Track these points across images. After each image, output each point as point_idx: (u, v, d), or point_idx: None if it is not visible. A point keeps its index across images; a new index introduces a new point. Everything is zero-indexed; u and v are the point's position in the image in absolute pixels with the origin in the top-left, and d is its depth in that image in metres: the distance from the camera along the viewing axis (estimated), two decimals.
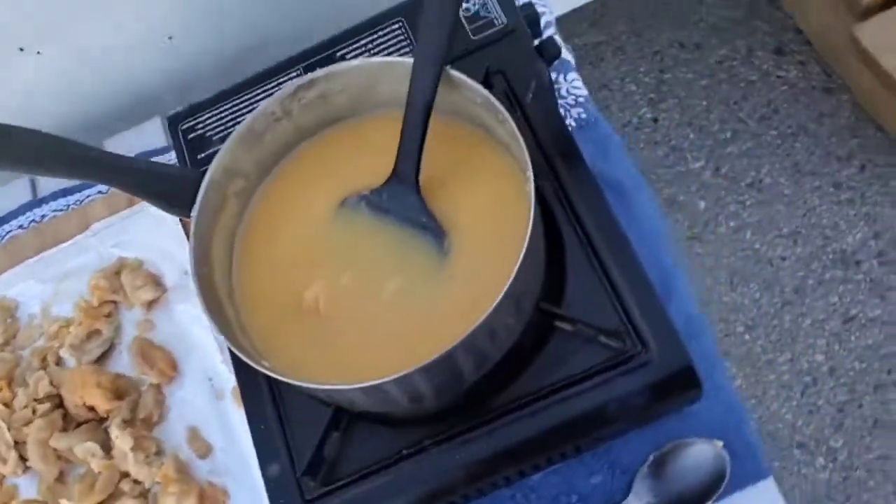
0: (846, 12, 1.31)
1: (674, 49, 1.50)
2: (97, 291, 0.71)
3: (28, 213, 0.81)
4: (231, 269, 0.56)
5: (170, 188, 0.54)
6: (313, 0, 0.81)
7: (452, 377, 0.50)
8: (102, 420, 0.67)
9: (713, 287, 1.33)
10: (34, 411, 0.68)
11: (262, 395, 0.56)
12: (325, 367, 0.51)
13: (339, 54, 0.64)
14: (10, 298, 0.75)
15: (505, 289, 0.45)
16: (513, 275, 0.46)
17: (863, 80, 1.34)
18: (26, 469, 0.68)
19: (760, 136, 1.41)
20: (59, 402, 0.69)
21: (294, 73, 0.64)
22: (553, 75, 0.70)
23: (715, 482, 0.56)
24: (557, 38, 0.73)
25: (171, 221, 0.71)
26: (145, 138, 0.81)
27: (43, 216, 0.81)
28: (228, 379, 0.66)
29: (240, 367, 0.57)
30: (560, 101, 0.70)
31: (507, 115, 0.49)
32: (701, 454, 0.57)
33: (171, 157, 0.79)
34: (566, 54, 0.71)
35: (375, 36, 0.64)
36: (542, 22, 0.70)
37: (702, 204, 1.39)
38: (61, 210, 0.80)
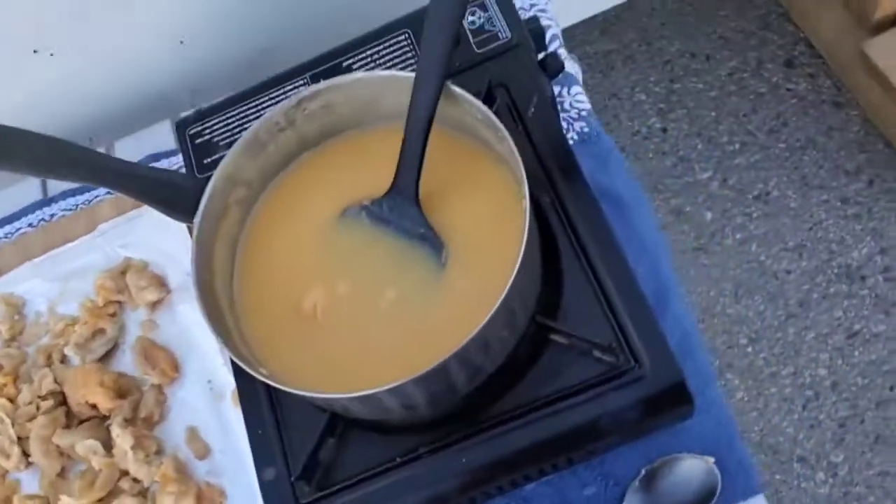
0: (857, 27, 1.31)
1: (684, 59, 1.50)
2: (102, 291, 0.72)
3: (38, 212, 0.83)
4: (232, 275, 0.56)
5: (172, 195, 0.55)
6: (321, 9, 0.82)
7: (446, 388, 0.51)
8: (104, 418, 0.68)
9: (718, 298, 1.33)
10: (38, 408, 0.69)
11: (259, 399, 0.57)
12: (321, 374, 0.52)
13: (345, 64, 0.65)
14: (18, 295, 0.77)
15: (498, 302, 0.46)
16: (506, 288, 0.46)
17: (872, 95, 1.34)
18: (29, 464, 0.69)
19: (769, 148, 1.41)
20: (62, 400, 0.70)
21: (301, 82, 0.65)
22: (557, 89, 0.71)
23: (705, 498, 0.57)
24: (563, 50, 0.74)
25: (177, 224, 0.72)
26: (155, 140, 0.83)
27: (52, 215, 0.82)
28: (228, 381, 0.67)
29: (239, 372, 0.58)
30: (563, 115, 0.71)
31: (505, 132, 0.49)
32: (692, 469, 0.57)
33: (179, 160, 0.80)
34: (570, 68, 0.72)
35: (381, 46, 0.64)
36: (548, 35, 0.71)
37: (708, 215, 1.39)
38: (70, 210, 0.81)
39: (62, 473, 0.68)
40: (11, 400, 0.70)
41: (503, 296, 0.46)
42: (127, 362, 0.71)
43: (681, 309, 0.64)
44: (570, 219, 0.57)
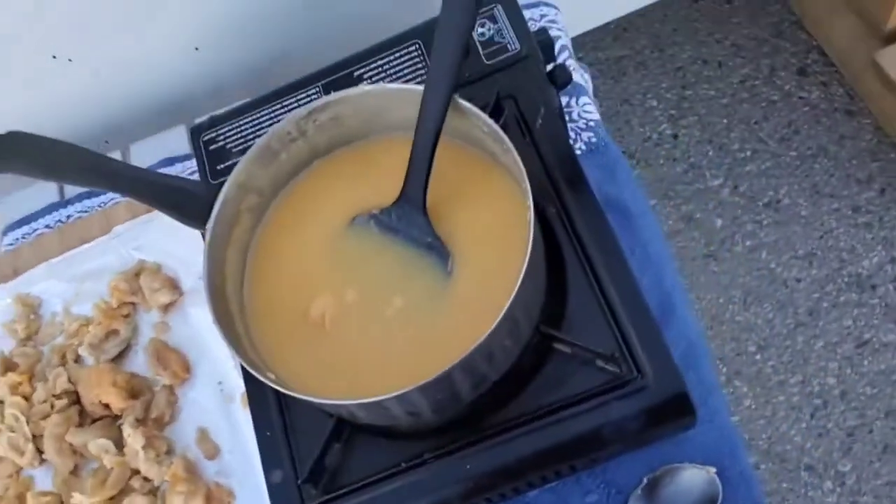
0: (870, 36, 1.31)
1: (696, 66, 1.50)
2: (116, 293, 0.74)
3: (54, 213, 0.84)
4: (243, 281, 0.58)
5: (184, 201, 0.56)
6: (333, 18, 0.83)
7: (451, 395, 0.51)
8: (116, 418, 0.70)
9: (727, 305, 1.33)
10: (52, 406, 0.70)
11: (268, 403, 0.58)
12: (328, 380, 0.53)
13: (356, 73, 0.65)
14: (34, 296, 0.78)
15: (503, 312, 0.47)
16: (511, 298, 0.47)
17: (885, 104, 1.34)
18: (42, 461, 0.70)
19: (780, 156, 1.41)
20: (76, 399, 0.71)
21: (313, 90, 0.66)
22: (565, 99, 0.72)
23: None
24: (572, 61, 0.74)
25: (190, 228, 0.74)
26: (170, 144, 0.84)
27: (68, 217, 0.83)
28: (238, 383, 0.68)
29: (248, 376, 0.59)
30: (571, 125, 0.71)
31: (510, 145, 0.50)
32: (693, 479, 0.58)
33: (193, 164, 0.81)
34: (579, 78, 0.72)
35: (392, 57, 0.65)
36: (557, 46, 0.71)
37: (719, 222, 1.39)
38: (85, 212, 0.83)
39: (75, 471, 0.69)
40: (26, 398, 0.71)
41: (507, 305, 0.47)
42: (139, 363, 0.72)
43: (686, 319, 0.65)
44: (575, 229, 0.57)
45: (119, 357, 0.73)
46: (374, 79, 0.65)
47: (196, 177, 0.71)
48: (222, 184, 0.56)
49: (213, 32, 0.83)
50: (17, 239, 0.84)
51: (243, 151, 0.65)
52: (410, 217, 0.55)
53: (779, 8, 1.51)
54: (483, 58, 0.63)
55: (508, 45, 0.63)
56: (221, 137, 0.67)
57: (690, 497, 0.58)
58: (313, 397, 0.50)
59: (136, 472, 0.67)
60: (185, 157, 0.82)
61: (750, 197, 1.39)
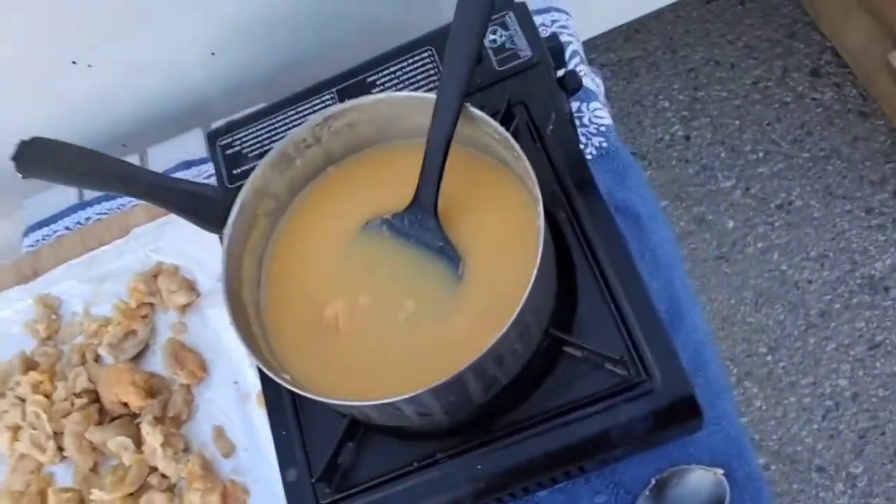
0: (884, 37, 1.31)
1: (709, 67, 1.50)
2: (135, 294, 0.75)
3: (74, 216, 0.86)
4: (259, 285, 0.59)
5: (201, 206, 0.57)
6: (346, 25, 0.85)
7: (462, 398, 0.52)
8: (135, 416, 0.71)
9: (738, 307, 1.34)
10: (72, 404, 0.71)
11: (284, 403, 0.59)
12: (341, 381, 0.54)
13: (369, 80, 0.66)
14: (54, 296, 0.79)
15: (513, 316, 0.48)
16: (521, 303, 0.48)
17: None
18: (63, 458, 0.71)
19: (792, 157, 1.41)
20: (95, 397, 0.72)
21: (327, 96, 0.67)
22: (576, 104, 0.73)
23: None
24: (583, 66, 0.75)
25: (207, 232, 0.75)
26: (187, 148, 0.85)
27: (87, 219, 0.85)
28: (254, 383, 0.69)
29: (264, 377, 0.60)
30: (582, 130, 0.72)
31: (521, 152, 0.51)
32: (701, 481, 0.59)
33: (209, 168, 0.83)
34: (590, 83, 0.73)
35: (405, 63, 0.66)
36: (568, 52, 0.72)
37: (730, 223, 1.39)
38: (105, 214, 0.84)
39: (95, 468, 0.70)
40: (47, 396, 0.72)
41: (518, 310, 0.48)
42: (157, 363, 0.74)
43: (695, 322, 0.65)
44: (585, 234, 0.58)
45: (137, 357, 0.74)
46: (387, 85, 0.66)
47: (213, 180, 0.72)
48: (238, 189, 0.58)
49: (230, 38, 0.84)
50: (38, 240, 0.86)
51: (259, 156, 0.67)
52: (422, 222, 0.56)
53: (792, 9, 1.51)
54: (495, 64, 0.64)
55: (520, 52, 0.64)
56: (238, 142, 0.69)
57: (698, 498, 0.58)
58: (327, 398, 0.51)
59: (154, 469, 0.68)
60: (202, 161, 0.84)
61: (762, 198, 1.39)
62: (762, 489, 0.60)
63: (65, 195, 0.87)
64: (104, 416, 0.72)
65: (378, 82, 0.66)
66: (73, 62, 0.81)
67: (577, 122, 0.72)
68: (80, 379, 0.72)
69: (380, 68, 0.67)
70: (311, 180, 0.61)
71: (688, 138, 1.46)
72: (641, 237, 0.67)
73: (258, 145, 0.68)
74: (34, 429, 0.71)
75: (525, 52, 0.64)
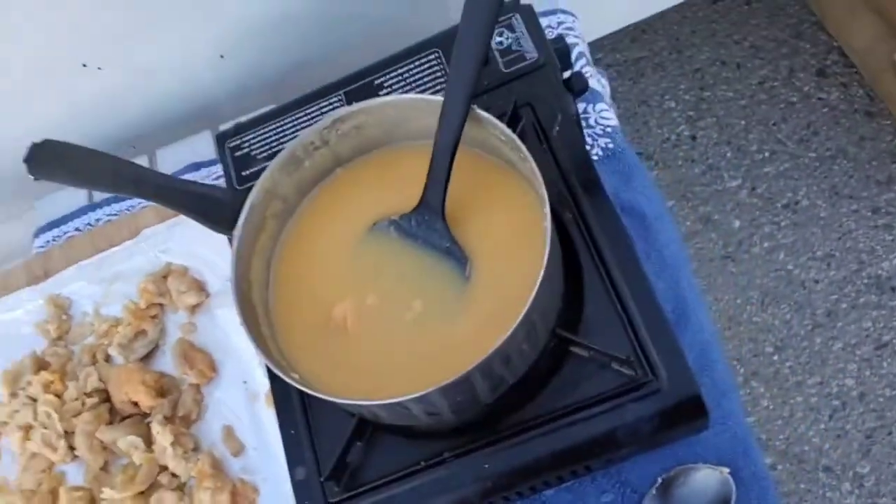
0: (890, 37, 1.30)
1: (715, 67, 1.50)
2: (145, 294, 0.75)
3: (84, 217, 0.86)
4: (268, 286, 0.59)
5: (209, 207, 0.58)
6: (354, 27, 0.85)
7: (470, 397, 0.53)
8: (145, 415, 0.71)
9: (744, 306, 1.34)
10: (83, 404, 0.72)
11: (292, 402, 0.60)
12: (350, 381, 0.55)
13: (376, 82, 0.67)
14: (65, 297, 0.80)
15: (520, 317, 0.48)
16: (528, 304, 0.48)
17: None
18: (74, 457, 0.72)
19: (799, 157, 1.41)
20: (106, 397, 0.73)
21: (335, 99, 0.68)
22: (582, 106, 0.73)
23: None
24: (589, 68, 0.75)
25: (216, 233, 0.76)
26: (196, 150, 0.86)
27: (97, 220, 0.86)
28: (262, 382, 0.70)
29: (273, 376, 0.60)
30: (588, 131, 0.72)
31: (528, 153, 0.52)
32: (707, 480, 0.59)
33: (218, 169, 0.83)
34: (596, 85, 0.73)
35: (412, 65, 0.67)
36: (574, 53, 0.73)
37: (737, 223, 1.39)
38: (115, 215, 0.85)
39: (105, 467, 0.71)
40: (58, 396, 0.73)
41: (525, 310, 0.48)
42: (167, 362, 0.74)
43: (701, 322, 0.66)
44: (591, 235, 0.58)
45: (147, 357, 0.75)
46: (394, 87, 0.67)
47: (221, 181, 0.73)
48: (247, 190, 0.58)
49: (237, 41, 0.84)
50: (48, 241, 0.87)
51: (268, 158, 0.67)
52: (430, 223, 0.56)
53: (798, 9, 1.51)
54: (501, 66, 0.65)
55: (526, 54, 0.64)
56: (246, 144, 0.69)
57: (704, 497, 0.59)
58: (336, 397, 0.51)
59: (165, 468, 0.69)
60: (211, 162, 0.84)
61: (768, 198, 1.40)
62: (768, 488, 0.60)
63: (75, 197, 0.88)
64: (115, 416, 0.73)
65: (385, 84, 0.67)
66: (84, 65, 0.81)
67: (584, 124, 0.72)
68: (90, 379, 0.73)
69: (387, 70, 0.67)
70: (319, 182, 0.62)
71: (694, 138, 1.46)
72: (647, 237, 0.67)
73: (266, 147, 0.69)
74: (45, 428, 0.72)
75: (531, 54, 0.64)
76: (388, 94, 0.66)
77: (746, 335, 1.32)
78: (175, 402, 0.71)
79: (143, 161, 0.87)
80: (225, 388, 0.72)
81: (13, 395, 0.74)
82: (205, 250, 0.76)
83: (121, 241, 0.80)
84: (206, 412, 0.72)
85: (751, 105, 1.46)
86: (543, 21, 0.67)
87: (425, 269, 0.56)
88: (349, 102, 0.67)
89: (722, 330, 1.32)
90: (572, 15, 0.80)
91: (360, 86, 0.68)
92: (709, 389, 0.59)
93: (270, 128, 0.69)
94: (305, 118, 0.68)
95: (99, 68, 0.82)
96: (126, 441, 0.69)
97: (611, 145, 0.72)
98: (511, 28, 0.65)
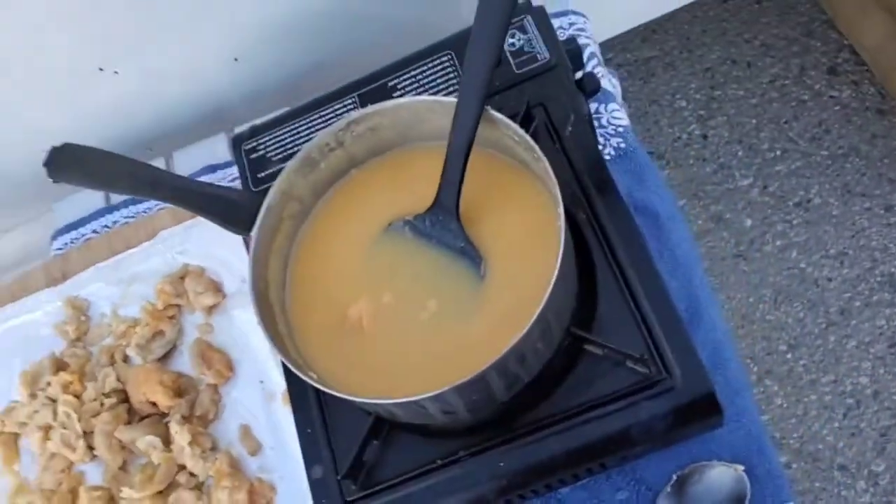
0: None
1: (725, 66, 1.50)
2: (162, 295, 0.76)
3: (101, 219, 0.87)
4: (284, 285, 0.60)
5: (226, 209, 0.59)
6: (367, 30, 0.86)
7: (486, 396, 0.53)
8: (163, 415, 0.72)
9: (757, 305, 1.34)
10: (102, 404, 0.73)
11: (309, 401, 0.61)
12: (366, 379, 0.55)
13: (390, 84, 0.68)
14: (83, 298, 0.81)
15: (535, 316, 0.49)
16: (543, 303, 0.49)
17: None
18: (93, 457, 0.72)
19: (810, 155, 1.41)
20: (124, 397, 0.73)
21: (349, 101, 0.68)
22: (594, 106, 0.73)
23: None
24: (600, 68, 0.76)
25: (231, 234, 0.76)
26: (212, 152, 0.87)
27: (114, 222, 0.87)
28: (278, 382, 0.70)
29: (290, 376, 0.61)
30: (600, 131, 0.73)
31: (541, 154, 0.52)
32: (721, 477, 0.59)
33: (234, 171, 0.84)
34: (607, 85, 0.74)
35: (426, 67, 0.67)
36: (586, 54, 0.73)
37: (748, 222, 1.39)
38: (132, 217, 0.86)
39: (124, 466, 0.72)
40: (77, 396, 0.74)
41: (540, 309, 0.48)
42: (184, 363, 0.75)
43: (714, 320, 0.66)
44: (605, 234, 0.59)
45: (165, 357, 0.76)
46: (407, 89, 0.67)
47: (237, 183, 0.74)
48: (263, 192, 0.59)
49: (252, 44, 0.85)
50: (66, 244, 0.88)
51: (283, 160, 0.68)
52: (444, 223, 0.57)
53: (808, 7, 1.50)
54: (513, 67, 0.65)
55: (538, 55, 0.65)
56: (262, 147, 0.70)
57: (719, 495, 0.59)
58: (353, 396, 0.52)
59: (183, 467, 0.69)
60: (227, 165, 0.85)
61: (780, 197, 1.39)
62: (783, 486, 0.60)
63: (92, 199, 0.89)
64: (133, 416, 0.73)
65: (399, 86, 0.67)
66: (100, 69, 0.82)
67: (596, 124, 0.72)
68: (109, 379, 0.73)
69: (400, 72, 0.68)
70: (334, 183, 0.62)
71: (705, 137, 1.46)
72: (660, 236, 0.67)
73: (282, 149, 0.69)
74: (65, 428, 0.72)
75: (543, 55, 0.65)
76: (401, 95, 0.67)
77: (759, 333, 1.31)
78: (193, 402, 0.72)
79: (159, 163, 0.87)
80: (242, 388, 0.73)
81: (33, 395, 0.75)
82: (221, 251, 0.77)
83: (138, 243, 0.81)
84: (223, 412, 0.72)
85: (762, 103, 1.46)
86: (555, 22, 0.67)
87: (440, 268, 0.57)
88: (363, 105, 0.67)
89: (735, 328, 1.31)
90: (583, 16, 0.80)
91: (373, 88, 0.68)
92: (722, 387, 0.59)
93: (285, 130, 0.70)
94: (320, 120, 0.69)
95: (115, 72, 0.83)
96: (144, 441, 0.70)
97: (623, 145, 0.72)
98: (523, 30, 0.66)
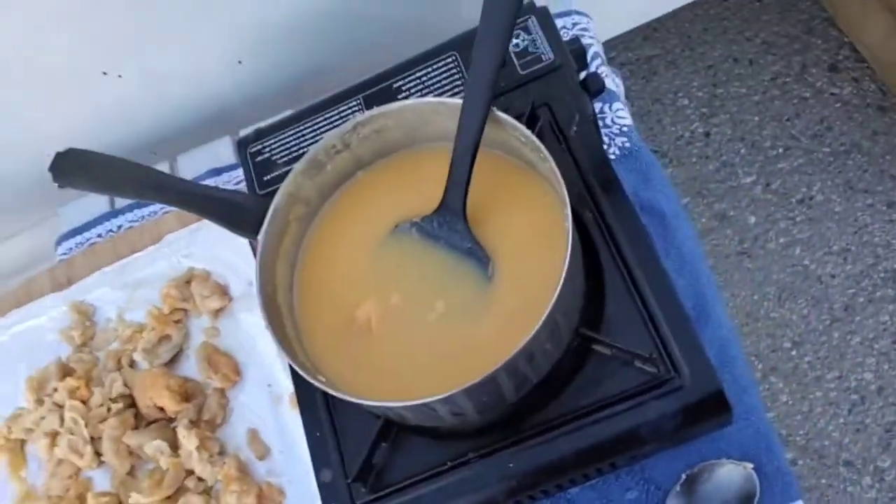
0: None
1: (727, 64, 1.50)
2: (168, 299, 0.76)
3: (106, 223, 0.87)
4: (291, 288, 0.60)
5: (233, 212, 0.59)
6: (370, 32, 0.86)
7: (495, 397, 0.53)
8: (171, 420, 0.72)
9: (761, 302, 1.33)
10: (109, 409, 0.72)
11: (317, 405, 0.61)
12: (374, 382, 0.55)
13: (395, 86, 0.68)
14: (88, 303, 0.81)
15: (544, 316, 0.49)
16: (551, 303, 0.49)
17: None
18: (101, 463, 0.72)
19: (813, 152, 1.41)
20: (131, 402, 0.73)
21: (354, 103, 0.68)
22: (598, 105, 0.73)
23: (744, 503, 0.59)
24: (604, 68, 0.76)
25: (238, 236, 0.76)
26: (217, 155, 0.87)
27: (119, 226, 0.87)
28: (286, 385, 0.70)
29: (298, 379, 0.61)
30: (605, 131, 0.73)
31: (548, 154, 0.52)
32: (731, 475, 0.59)
33: (239, 174, 0.84)
34: (611, 84, 0.74)
35: (430, 69, 0.67)
36: (589, 54, 0.73)
37: (752, 219, 1.39)
38: (136, 221, 0.86)
39: (132, 472, 0.72)
40: (84, 402, 0.74)
41: (548, 310, 0.48)
42: (191, 367, 0.75)
43: (721, 319, 0.66)
44: (611, 233, 0.59)
45: (171, 361, 0.75)
46: (412, 90, 0.67)
47: (242, 186, 0.74)
48: (269, 195, 0.59)
49: (255, 47, 0.85)
50: (71, 248, 0.88)
51: (289, 163, 0.68)
52: (451, 224, 0.57)
53: (809, 5, 1.50)
54: (518, 68, 0.65)
55: (542, 56, 0.65)
56: (267, 149, 0.70)
57: (728, 493, 0.59)
58: (363, 399, 0.52)
59: (191, 472, 0.69)
60: (231, 168, 0.85)
61: (783, 194, 1.39)
62: (791, 483, 0.60)
63: (96, 203, 0.89)
64: (140, 421, 0.73)
65: (404, 88, 0.67)
66: (104, 73, 0.82)
67: (600, 123, 0.72)
68: (115, 384, 0.73)
69: (405, 74, 0.68)
70: (340, 185, 0.62)
71: (708, 135, 1.46)
72: (666, 235, 0.67)
73: (287, 152, 0.69)
74: (72, 434, 0.72)
75: (547, 55, 0.65)
76: (406, 97, 0.67)
77: (764, 331, 1.31)
78: (200, 407, 0.72)
79: (164, 167, 0.87)
80: (249, 392, 0.72)
81: (39, 401, 0.75)
82: (227, 254, 0.77)
83: (143, 247, 0.81)
84: (230, 416, 0.72)
85: (764, 101, 1.46)
86: (558, 22, 0.67)
87: (447, 269, 0.57)
88: (368, 106, 0.67)
89: (739, 326, 1.31)
90: (587, 16, 0.80)
91: (378, 90, 0.68)
92: (730, 385, 0.59)
93: (290, 133, 0.70)
94: (325, 123, 0.69)
95: (119, 76, 0.83)
96: (152, 446, 0.69)
97: (627, 144, 0.72)
98: (527, 30, 0.66)
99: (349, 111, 0.68)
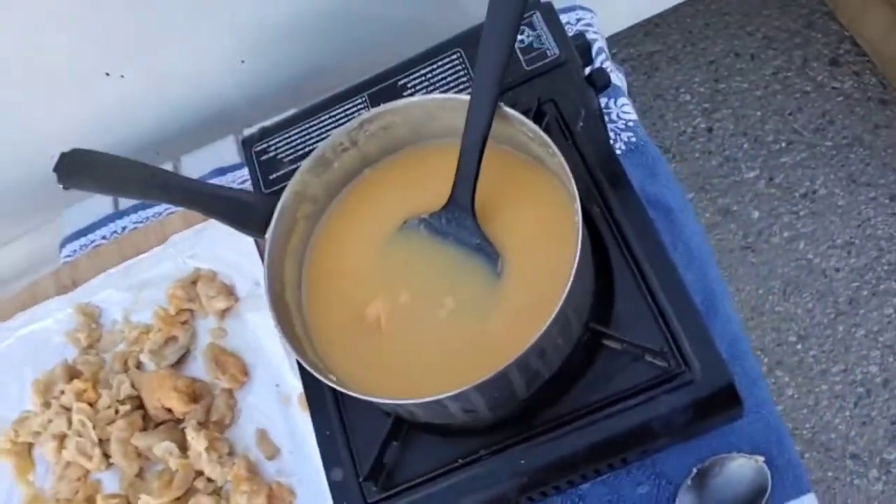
0: None
1: (729, 59, 1.50)
2: (174, 300, 0.76)
3: (110, 225, 0.87)
4: (300, 286, 0.60)
5: (239, 211, 0.58)
6: (374, 29, 0.86)
7: (506, 393, 0.53)
8: (179, 421, 0.72)
9: (766, 296, 1.33)
10: (117, 411, 0.72)
11: (327, 404, 0.60)
12: (385, 380, 0.55)
13: (400, 83, 0.67)
14: (94, 305, 0.81)
15: (555, 312, 0.48)
16: (562, 299, 0.49)
17: None
18: (109, 465, 0.72)
19: (815, 146, 1.41)
20: (139, 404, 0.73)
21: (359, 101, 0.68)
22: (604, 101, 0.73)
23: (756, 496, 0.59)
24: (609, 63, 0.76)
25: (242, 236, 0.76)
26: (221, 155, 0.87)
27: (124, 228, 0.86)
28: (294, 385, 0.70)
29: (307, 378, 0.61)
30: (610, 126, 0.73)
31: (556, 149, 0.52)
32: (742, 469, 0.59)
33: (243, 174, 0.84)
34: (616, 80, 0.74)
35: (435, 66, 0.67)
36: (594, 49, 0.73)
37: (755, 214, 1.39)
38: (141, 222, 0.86)
39: (140, 474, 0.72)
40: (92, 404, 0.73)
41: (559, 305, 0.48)
42: (198, 368, 0.75)
43: (729, 313, 0.66)
44: (620, 228, 0.59)
45: (179, 362, 0.75)
46: (417, 87, 0.67)
47: (248, 186, 0.74)
48: (275, 194, 0.59)
49: (258, 46, 0.85)
50: (75, 251, 0.87)
51: (294, 161, 0.68)
52: (459, 220, 0.57)
53: None
54: (523, 64, 0.65)
55: (548, 51, 0.65)
56: (272, 148, 0.70)
57: (740, 486, 0.59)
58: (374, 397, 0.52)
59: (200, 473, 0.69)
60: (235, 167, 0.85)
61: (786, 188, 1.39)
62: (802, 476, 0.60)
63: (101, 205, 0.89)
64: (148, 422, 0.73)
65: (409, 85, 0.67)
66: (107, 73, 0.82)
67: (606, 118, 0.72)
68: (123, 386, 0.73)
69: (410, 71, 0.68)
70: (347, 183, 0.62)
71: (710, 130, 1.46)
72: (674, 230, 0.67)
73: (292, 151, 0.69)
74: (80, 436, 0.72)
75: (553, 50, 0.65)
76: (411, 94, 0.67)
77: (769, 325, 1.31)
78: (208, 407, 0.72)
79: (167, 167, 0.87)
80: (257, 392, 0.72)
81: (46, 404, 0.75)
82: (232, 254, 0.77)
83: (148, 248, 0.81)
84: (239, 416, 0.72)
85: (766, 95, 1.46)
86: (562, 18, 0.67)
87: (456, 266, 0.57)
88: (373, 104, 0.67)
89: (745, 320, 1.31)
90: (591, 11, 0.80)
91: (383, 87, 0.68)
92: (740, 378, 0.59)
93: (295, 131, 0.70)
94: (330, 121, 0.69)
95: (122, 76, 0.83)
96: (161, 447, 0.69)
97: (633, 139, 0.72)
98: (532, 26, 0.66)
99: (354, 109, 0.68)
